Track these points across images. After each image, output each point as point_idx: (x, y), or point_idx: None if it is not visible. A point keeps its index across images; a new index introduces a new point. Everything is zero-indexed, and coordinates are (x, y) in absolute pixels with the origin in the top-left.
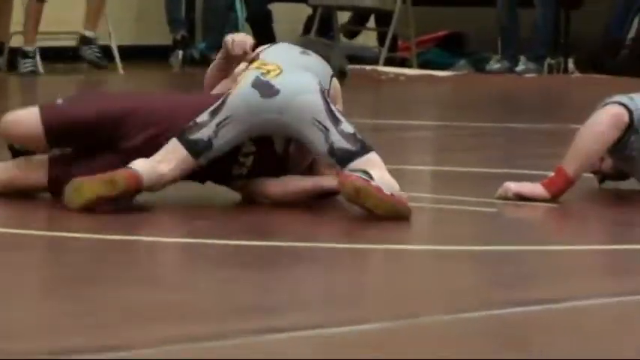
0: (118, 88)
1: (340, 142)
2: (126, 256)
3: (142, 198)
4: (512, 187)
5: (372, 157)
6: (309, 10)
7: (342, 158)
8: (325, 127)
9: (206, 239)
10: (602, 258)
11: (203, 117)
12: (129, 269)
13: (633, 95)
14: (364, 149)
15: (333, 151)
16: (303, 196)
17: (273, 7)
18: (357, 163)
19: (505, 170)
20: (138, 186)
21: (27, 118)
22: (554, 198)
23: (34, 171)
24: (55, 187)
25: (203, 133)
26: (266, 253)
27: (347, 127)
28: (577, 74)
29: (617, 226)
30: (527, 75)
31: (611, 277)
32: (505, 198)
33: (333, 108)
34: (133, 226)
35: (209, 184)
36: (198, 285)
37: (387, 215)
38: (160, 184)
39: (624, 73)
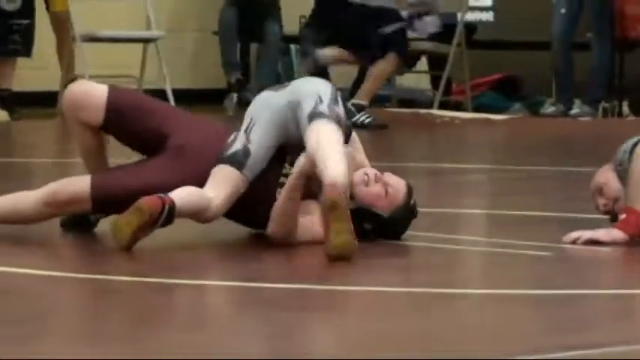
0: None
1: (324, 109)
2: (168, 300)
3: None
4: (587, 234)
5: (319, 124)
6: None
7: (311, 115)
8: (321, 100)
9: (257, 283)
10: None
11: (232, 135)
12: (175, 313)
13: None
14: (336, 123)
15: (314, 113)
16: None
17: None
18: (318, 122)
19: (560, 214)
20: (163, 206)
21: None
22: (632, 238)
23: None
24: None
25: (237, 145)
26: (320, 296)
27: (341, 111)
28: (632, 117)
29: None
30: (582, 118)
31: None
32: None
33: (339, 99)
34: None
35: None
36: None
37: (336, 249)
38: (211, 212)
39: None
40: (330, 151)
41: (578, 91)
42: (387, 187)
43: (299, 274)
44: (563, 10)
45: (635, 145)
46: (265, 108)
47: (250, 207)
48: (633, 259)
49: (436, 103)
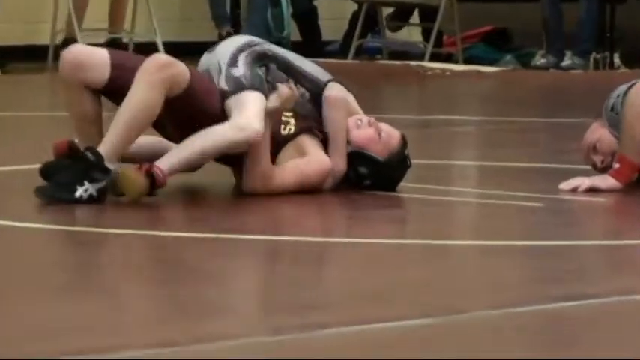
0: None
1: (222, 83)
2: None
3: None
4: (587, 182)
5: (238, 97)
6: (354, 6)
7: (220, 96)
8: (220, 69)
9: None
10: None
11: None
12: (171, 265)
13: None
14: (236, 90)
15: (220, 91)
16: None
17: (319, 3)
18: (228, 102)
19: (551, 165)
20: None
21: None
22: (624, 186)
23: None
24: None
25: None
26: (299, 249)
27: (237, 70)
28: (623, 69)
29: None
30: (573, 70)
31: None
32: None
33: (241, 55)
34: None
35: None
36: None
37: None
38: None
39: None
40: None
41: (569, 43)
42: (381, 132)
43: (287, 225)
44: None
45: (627, 89)
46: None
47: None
48: (624, 210)
49: (427, 56)
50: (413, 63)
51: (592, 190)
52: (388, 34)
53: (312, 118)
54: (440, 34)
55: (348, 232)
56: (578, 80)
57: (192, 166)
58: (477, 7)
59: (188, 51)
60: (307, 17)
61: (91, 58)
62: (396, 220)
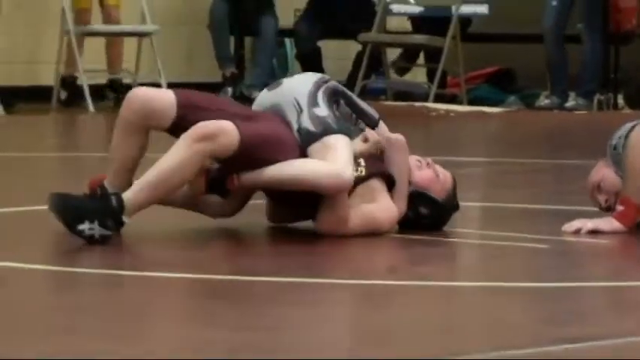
0: None
1: (306, 123)
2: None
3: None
4: (589, 225)
5: (327, 140)
6: (358, 47)
7: (304, 139)
8: (300, 108)
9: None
10: None
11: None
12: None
13: None
14: (324, 132)
15: (300, 131)
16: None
17: (323, 44)
18: (315, 147)
19: (555, 207)
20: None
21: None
22: (629, 229)
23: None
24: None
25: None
26: (317, 289)
27: (321, 111)
28: (627, 110)
29: None
30: (577, 111)
31: None
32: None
33: (319, 94)
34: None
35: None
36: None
37: None
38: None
39: None
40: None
41: (573, 84)
42: (438, 174)
43: (282, 265)
44: (554, 3)
45: (630, 129)
46: (258, 105)
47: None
48: (629, 252)
49: (431, 96)
50: (417, 104)
51: (595, 232)
52: (393, 75)
53: (378, 158)
54: (444, 74)
55: (353, 272)
56: (582, 121)
57: (270, 188)
58: (481, 48)
59: None
60: (311, 58)
61: (160, 101)
62: (401, 260)
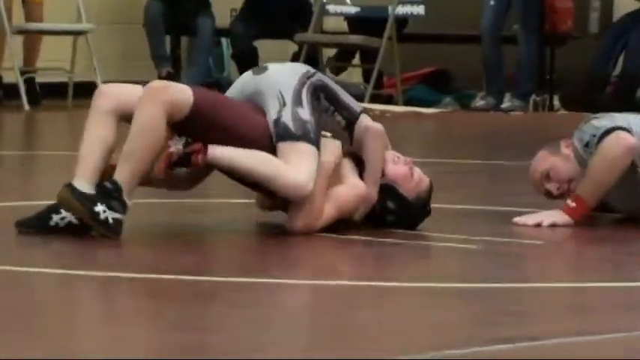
0: None
1: (286, 119)
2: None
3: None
4: (547, 221)
5: (301, 146)
6: (294, 47)
7: (279, 134)
8: (284, 102)
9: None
10: (588, 295)
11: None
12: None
13: (616, 115)
14: (301, 137)
15: (277, 123)
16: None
17: (259, 44)
18: (285, 145)
19: (489, 207)
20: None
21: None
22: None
23: None
24: None
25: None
26: (267, 287)
27: (304, 113)
28: (562, 111)
29: (603, 263)
30: (513, 112)
31: (599, 315)
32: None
33: (304, 92)
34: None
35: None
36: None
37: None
38: None
39: (609, 110)
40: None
41: (509, 85)
42: (413, 173)
43: (229, 264)
44: (492, 2)
45: (604, 133)
46: (239, 92)
47: None
48: (560, 252)
49: (367, 97)
50: None
51: (551, 226)
52: (329, 75)
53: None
54: (380, 75)
55: (285, 273)
56: (518, 122)
57: (233, 173)
58: (418, 49)
59: None
60: (247, 57)
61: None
62: (333, 261)
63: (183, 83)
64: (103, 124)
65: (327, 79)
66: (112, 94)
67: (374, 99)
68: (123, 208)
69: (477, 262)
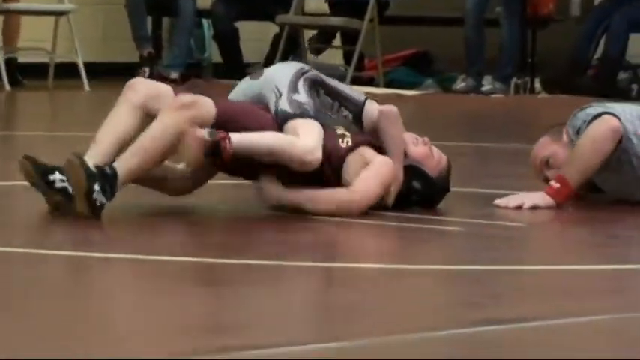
0: (84, 105)
1: (283, 105)
2: (78, 273)
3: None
4: (528, 203)
5: (301, 121)
6: (276, 29)
7: (281, 118)
8: (280, 93)
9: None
10: (570, 278)
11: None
12: (85, 285)
13: (608, 105)
14: (300, 115)
15: (277, 112)
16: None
17: (240, 25)
18: (290, 124)
19: (471, 189)
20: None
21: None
22: (558, 207)
23: None
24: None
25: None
26: (227, 270)
27: (300, 97)
28: (543, 94)
29: (584, 245)
30: (494, 95)
31: (581, 297)
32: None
33: (300, 82)
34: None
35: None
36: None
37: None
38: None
39: (590, 93)
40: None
41: (490, 68)
42: (432, 151)
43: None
44: None
45: (593, 117)
46: (242, 96)
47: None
48: (543, 236)
49: (348, 79)
50: None
51: (532, 208)
52: (310, 56)
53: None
54: (361, 57)
55: (264, 254)
56: (499, 105)
57: (253, 155)
58: (399, 31)
59: (109, 71)
60: (228, 39)
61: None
62: (313, 243)
63: (165, 64)
64: (126, 115)
65: (322, 74)
66: (142, 90)
67: (355, 81)
68: (111, 195)
69: (460, 244)
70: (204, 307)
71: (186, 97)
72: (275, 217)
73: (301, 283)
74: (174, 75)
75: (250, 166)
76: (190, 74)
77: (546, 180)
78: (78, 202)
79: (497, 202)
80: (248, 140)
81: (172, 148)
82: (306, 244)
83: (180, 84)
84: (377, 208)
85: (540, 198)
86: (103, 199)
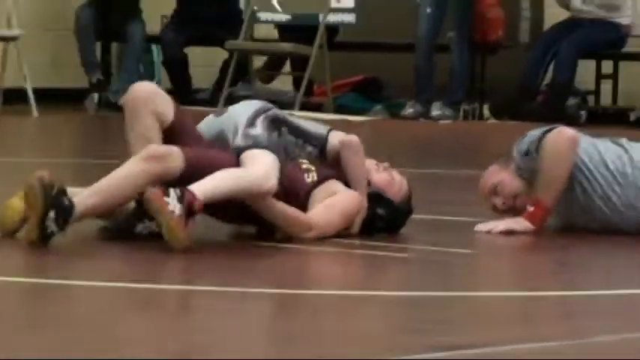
0: (32, 131)
1: (238, 141)
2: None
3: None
4: (501, 226)
5: (251, 153)
6: (225, 54)
7: (236, 154)
8: (237, 130)
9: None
10: (520, 304)
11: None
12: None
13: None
14: (253, 146)
15: (234, 150)
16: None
17: (189, 51)
18: (242, 157)
19: (420, 216)
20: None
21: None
22: (538, 229)
23: None
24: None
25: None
26: (177, 296)
27: (255, 131)
28: (492, 120)
29: (535, 273)
30: (443, 121)
31: (530, 323)
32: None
33: (259, 119)
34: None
35: None
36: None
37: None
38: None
39: (539, 119)
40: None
41: (439, 93)
42: (393, 176)
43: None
44: (429, 10)
45: (541, 136)
46: (206, 134)
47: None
48: (491, 262)
49: (297, 104)
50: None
51: (507, 233)
52: (258, 84)
53: (330, 165)
54: (310, 83)
55: (212, 280)
56: (448, 130)
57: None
58: (348, 57)
59: (58, 97)
60: (178, 64)
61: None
62: (265, 269)
63: (114, 90)
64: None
65: (284, 113)
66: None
67: (304, 107)
68: (64, 225)
69: (409, 271)
70: (155, 333)
71: (159, 150)
72: (229, 243)
73: (250, 309)
74: (122, 101)
75: (230, 208)
76: None
77: (494, 207)
78: (30, 225)
79: (478, 227)
80: (212, 188)
81: (130, 196)
82: (258, 271)
83: None
84: (341, 235)
85: (516, 222)
86: (55, 228)
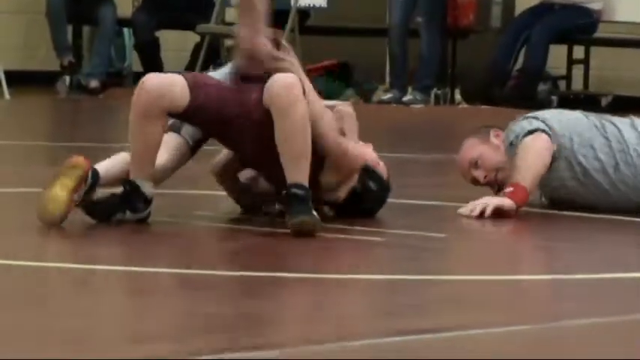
0: (4, 114)
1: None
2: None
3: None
4: (490, 208)
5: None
6: (196, 38)
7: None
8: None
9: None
10: (492, 288)
11: None
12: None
13: (547, 117)
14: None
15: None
16: None
17: (161, 35)
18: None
19: (394, 200)
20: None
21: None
22: (518, 209)
23: None
24: None
25: None
26: (148, 278)
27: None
28: (464, 105)
29: (508, 257)
30: (414, 105)
31: (502, 307)
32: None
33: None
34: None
35: None
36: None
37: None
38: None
39: (510, 104)
40: None
41: (410, 78)
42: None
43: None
44: None
45: (527, 133)
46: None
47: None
48: (463, 246)
49: None
50: None
51: (497, 212)
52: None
53: None
54: None
55: (182, 263)
56: (420, 115)
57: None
58: (320, 41)
59: (30, 80)
60: (149, 48)
61: (171, 84)
62: (235, 251)
63: (86, 73)
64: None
65: None
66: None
67: None
68: (146, 204)
69: (381, 255)
70: (127, 314)
71: (156, 88)
72: (204, 226)
73: (219, 292)
74: (94, 84)
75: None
76: (111, 83)
77: (474, 181)
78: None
79: (461, 210)
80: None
81: (157, 140)
82: (232, 254)
83: (100, 92)
84: (328, 203)
85: (500, 200)
86: (138, 215)
